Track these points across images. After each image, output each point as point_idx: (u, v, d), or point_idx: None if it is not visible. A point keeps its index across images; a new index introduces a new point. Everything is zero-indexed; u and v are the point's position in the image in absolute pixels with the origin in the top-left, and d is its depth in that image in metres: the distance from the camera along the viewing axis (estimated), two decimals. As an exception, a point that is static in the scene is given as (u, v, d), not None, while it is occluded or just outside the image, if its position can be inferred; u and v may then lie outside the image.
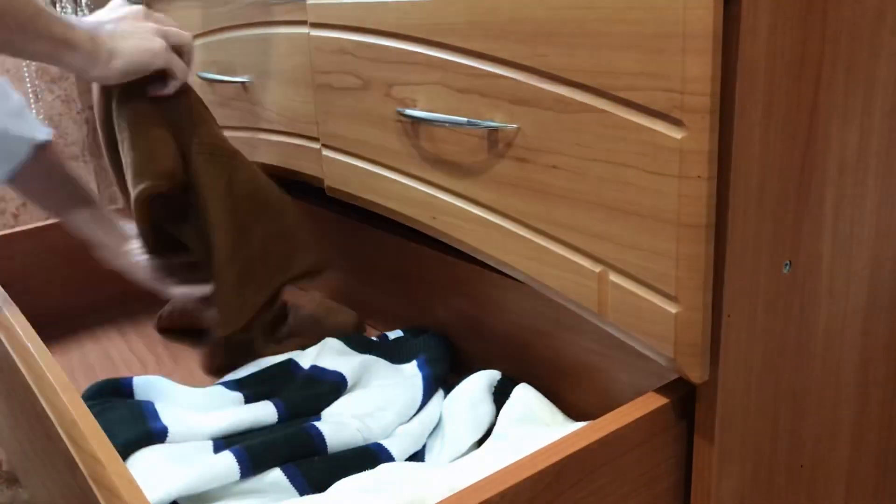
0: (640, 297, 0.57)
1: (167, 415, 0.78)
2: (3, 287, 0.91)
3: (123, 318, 1.18)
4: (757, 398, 0.61)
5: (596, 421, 0.58)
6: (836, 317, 0.65)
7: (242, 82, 1.01)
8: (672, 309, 0.55)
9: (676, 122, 0.52)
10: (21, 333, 0.75)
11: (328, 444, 0.73)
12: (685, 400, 0.61)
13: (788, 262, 0.59)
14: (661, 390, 0.61)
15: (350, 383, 0.85)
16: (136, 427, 0.74)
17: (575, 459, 0.55)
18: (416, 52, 0.71)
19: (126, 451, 0.72)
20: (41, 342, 0.73)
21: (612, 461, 0.58)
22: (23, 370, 0.69)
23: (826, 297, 0.63)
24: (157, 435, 0.74)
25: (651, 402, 0.60)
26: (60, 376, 0.66)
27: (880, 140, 0.63)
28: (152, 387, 0.84)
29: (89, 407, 0.63)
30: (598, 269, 0.60)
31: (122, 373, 1.00)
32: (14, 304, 0.82)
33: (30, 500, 1.22)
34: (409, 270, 0.99)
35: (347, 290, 1.12)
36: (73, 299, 1.19)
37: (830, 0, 0.55)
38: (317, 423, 0.75)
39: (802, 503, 0.69)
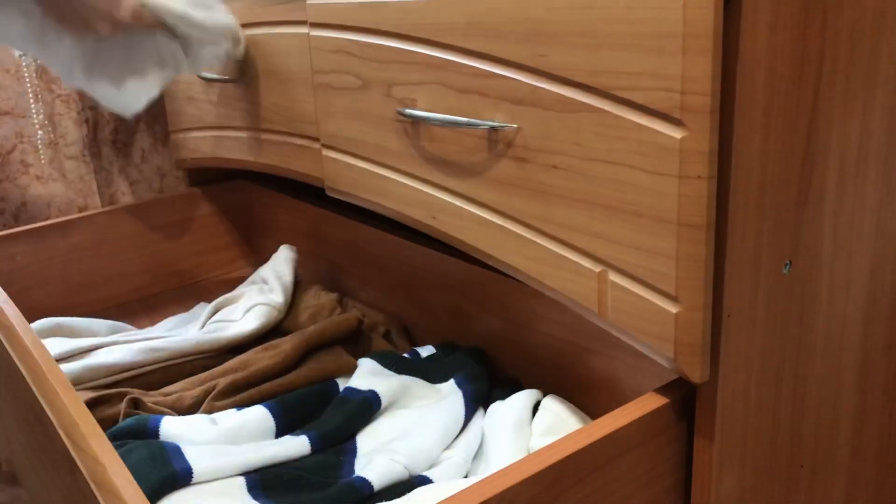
0: (639, 296, 0.57)
1: (191, 452, 0.72)
2: (2, 287, 0.91)
3: (123, 318, 1.18)
4: (757, 398, 0.61)
5: (596, 421, 0.58)
6: (836, 317, 0.65)
7: (242, 82, 1.01)
8: (672, 309, 0.55)
9: (676, 122, 0.52)
10: (21, 333, 0.74)
11: (375, 489, 0.70)
12: (685, 400, 0.61)
13: (788, 262, 0.59)
14: (661, 390, 0.61)
15: (384, 403, 0.81)
16: (158, 471, 0.69)
17: (575, 459, 0.55)
18: (416, 52, 0.71)
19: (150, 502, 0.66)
20: (41, 342, 0.73)
21: (612, 461, 0.58)
22: (23, 370, 0.69)
23: (826, 297, 0.63)
24: (181, 477, 0.69)
25: (651, 402, 0.60)
26: (60, 377, 0.66)
27: (880, 140, 0.63)
28: (179, 426, 0.79)
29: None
30: (598, 268, 0.60)
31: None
32: (14, 305, 0.82)
33: (30, 501, 1.22)
34: (403, 268, 0.99)
35: (346, 290, 1.12)
36: (73, 299, 1.19)
37: (830, 0, 0.55)
38: (363, 475, 0.71)
39: (802, 503, 0.69)
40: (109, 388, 0.87)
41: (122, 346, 0.92)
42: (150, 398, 0.85)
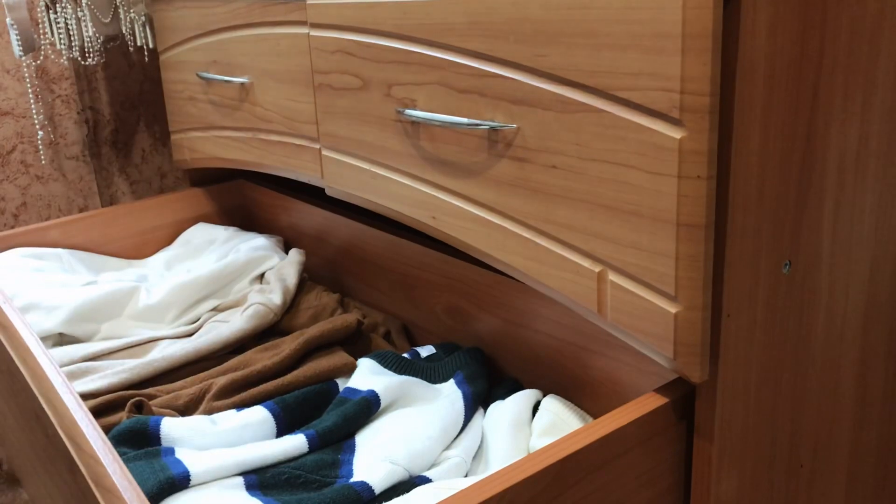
0: (639, 296, 0.57)
1: (188, 455, 0.72)
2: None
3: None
4: (756, 398, 0.61)
5: (596, 421, 0.58)
6: (836, 316, 0.65)
7: (242, 82, 1.01)
8: (672, 309, 0.55)
9: (676, 122, 0.52)
10: (21, 333, 0.74)
11: (376, 493, 0.70)
12: (685, 400, 0.61)
13: (788, 262, 0.59)
14: (661, 390, 0.61)
15: (384, 403, 0.81)
16: (155, 477, 0.69)
17: (575, 459, 0.55)
18: (416, 52, 0.71)
19: None
20: (41, 342, 0.73)
21: (612, 461, 0.58)
22: (23, 370, 0.69)
23: (826, 296, 0.63)
24: (179, 482, 0.69)
25: (651, 402, 0.60)
26: (60, 377, 0.66)
27: (880, 140, 0.63)
28: (179, 428, 0.78)
29: None
30: (597, 268, 0.60)
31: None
32: (13, 304, 0.82)
33: (30, 501, 1.22)
34: (403, 268, 0.99)
35: (347, 290, 1.12)
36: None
37: (830, 0, 0.55)
38: (365, 479, 0.70)
39: (802, 503, 0.69)
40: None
41: (125, 363, 0.92)
42: (146, 391, 0.85)
